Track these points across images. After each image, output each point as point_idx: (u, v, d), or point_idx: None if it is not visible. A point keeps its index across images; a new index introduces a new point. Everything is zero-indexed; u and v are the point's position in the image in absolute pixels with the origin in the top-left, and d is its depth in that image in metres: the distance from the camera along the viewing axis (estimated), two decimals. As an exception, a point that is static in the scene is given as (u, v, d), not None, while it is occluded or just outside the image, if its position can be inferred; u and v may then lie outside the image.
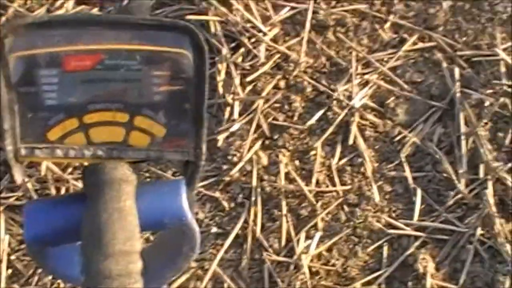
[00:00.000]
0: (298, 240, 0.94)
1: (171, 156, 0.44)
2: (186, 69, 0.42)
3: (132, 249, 0.41)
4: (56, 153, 0.42)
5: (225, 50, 1.00)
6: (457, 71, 1.02)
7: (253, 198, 0.96)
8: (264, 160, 0.98)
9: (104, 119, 0.42)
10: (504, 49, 1.02)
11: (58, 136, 0.42)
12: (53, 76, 0.40)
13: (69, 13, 0.99)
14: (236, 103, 0.99)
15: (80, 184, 0.94)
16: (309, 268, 0.92)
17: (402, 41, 1.05)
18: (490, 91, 1.00)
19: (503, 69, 1.01)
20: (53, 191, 0.94)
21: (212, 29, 1.01)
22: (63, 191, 0.94)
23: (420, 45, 1.05)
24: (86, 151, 0.42)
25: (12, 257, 0.92)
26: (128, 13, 0.95)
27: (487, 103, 0.99)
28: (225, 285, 0.92)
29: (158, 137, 0.43)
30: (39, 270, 0.92)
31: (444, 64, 1.03)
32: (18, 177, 0.42)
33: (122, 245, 0.41)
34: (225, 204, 0.96)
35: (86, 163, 0.44)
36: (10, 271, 0.92)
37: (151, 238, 0.86)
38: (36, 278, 0.92)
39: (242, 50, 1.01)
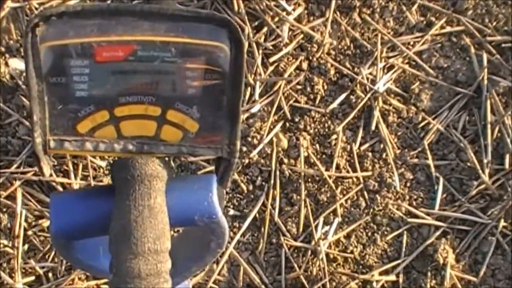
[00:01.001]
0: (316, 226, 0.93)
1: (204, 152, 0.42)
2: (222, 63, 0.40)
3: (162, 248, 0.40)
4: (86, 146, 0.40)
5: (247, 29, 0.97)
6: (485, 57, 0.99)
7: (272, 181, 0.94)
8: (284, 143, 0.96)
9: (135, 112, 0.40)
10: (536, 36, 0.99)
11: (88, 129, 0.40)
12: (84, 67, 0.39)
13: (102, 2, 0.96)
14: (258, 84, 0.97)
15: (98, 161, 0.93)
16: (327, 254, 0.92)
17: (430, 25, 1.02)
18: (519, 79, 0.97)
19: (533, 56, 0.98)
20: (70, 167, 0.93)
21: (236, 7, 0.98)
22: (80, 167, 0.93)
23: (448, 29, 1.02)
24: (116, 145, 0.41)
25: (29, 233, 0.91)
26: (156, 2, 0.93)
27: (515, 92, 0.97)
28: (241, 268, 0.92)
29: (190, 132, 0.42)
30: (55, 247, 0.91)
31: (472, 50, 1.00)
32: (46, 169, 0.41)
33: (152, 244, 0.39)
34: (244, 186, 0.95)
35: (115, 157, 0.43)
36: (26, 246, 0.91)
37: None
38: (52, 253, 0.91)
39: (265, 29, 0.99)
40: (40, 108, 0.39)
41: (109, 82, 0.39)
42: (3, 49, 0.93)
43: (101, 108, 0.40)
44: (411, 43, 1.01)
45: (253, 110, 0.96)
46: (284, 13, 0.98)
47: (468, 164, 0.95)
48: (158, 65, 0.39)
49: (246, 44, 0.40)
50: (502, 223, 0.91)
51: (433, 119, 0.97)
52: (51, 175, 0.88)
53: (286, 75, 0.98)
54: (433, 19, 1.02)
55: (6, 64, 0.92)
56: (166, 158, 0.43)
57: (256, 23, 0.99)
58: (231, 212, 0.94)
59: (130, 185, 0.40)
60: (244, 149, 0.96)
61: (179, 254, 0.47)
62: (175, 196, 0.42)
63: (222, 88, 0.41)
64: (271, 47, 0.98)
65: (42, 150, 0.40)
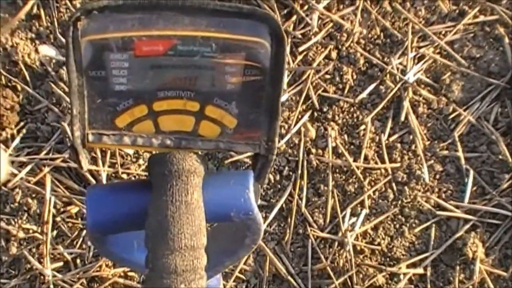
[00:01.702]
0: (343, 217, 0.92)
1: (242, 148, 0.42)
2: (263, 59, 0.39)
3: (198, 244, 0.40)
4: (124, 140, 0.40)
5: (277, 17, 0.96)
6: (519, 47, 0.97)
7: (299, 172, 0.94)
8: (312, 133, 0.95)
9: (174, 107, 0.40)
10: None
11: (127, 123, 0.40)
12: (124, 60, 0.38)
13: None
14: (286, 73, 0.96)
15: (129, 151, 0.93)
16: (354, 246, 0.91)
17: (462, 14, 1.00)
18: (553, 70, 0.95)
19: None
20: (98, 154, 0.94)
21: (265, -5, 0.98)
22: (108, 155, 0.93)
23: (481, 18, 1.00)
24: (154, 140, 0.41)
25: (58, 219, 0.92)
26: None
27: (549, 84, 0.95)
28: (267, 258, 0.92)
29: (228, 128, 0.41)
30: (84, 232, 0.92)
31: (506, 40, 0.98)
32: (84, 163, 0.41)
33: (188, 240, 0.39)
34: (271, 176, 0.94)
35: (153, 152, 0.42)
36: (55, 232, 0.92)
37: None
38: (80, 240, 0.92)
39: (294, 17, 0.97)
40: (80, 101, 0.39)
41: (148, 76, 0.39)
42: (33, 35, 0.93)
43: (139, 103, 0.40)
44: (443, 32, 1.00)
45: (281, 99, 0.95)
46: (313, 1, 0.97)
47: (500, 156, 0.94)
48: (198, 60, 0.39)
49: (287, 41, 0.39)
50: (534, 217, 0.90)
51: (464, 110, 0.96)
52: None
53: (315, 64, 0.97)
54: (465, 8, 1.00)
55: (36, 51, 0.93)
56: (203, 154, 0.42)
57: (285, 11, 0.98)
58: (258, 202, 0.94)
59: (167, 180, 0.40)
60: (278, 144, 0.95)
61: (212, 248, 0.47)
62: (212, 191, 0.42)
63: (262, 84, 0.40)
64: (300, 36, 0.97)
65: (81, 143, 0.40)
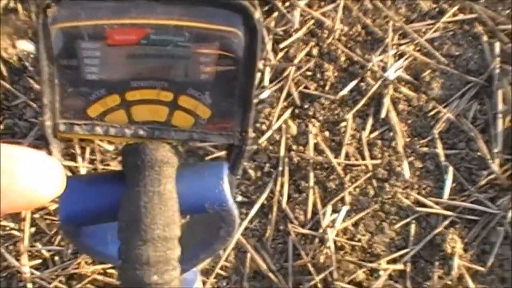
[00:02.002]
0: (324, 213, 0.92)
1: (215, 138, 0.41)
2: (236, 49, 0.39)
3: (171, 235, 0.39)
4: (96, 130, 0.40)
5: (258, 14, 0.96)
6: (497, 45, 0.98)
7: (280, 168, 0.94)
8: (293, 130, 0.95)
9: (147, 97, 0.40)
10: (550, 25, 0.98)
11: (99, 113, 0.40)
12: (96, 49, 0.38)
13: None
14: (267, 70, 0.96)
15: (106, 145, 0.93)
16: (334, 242, 0.91)
17: (442, 12, 1.01)
18: (532, 68, 0.96)
19: (547, 46, 0.97)
20: (77, 150, 0.93)
21: (245, -9, 0.97)
22: (87, 151, 0.93)
23: (460, 16, 1.00)
24: (127, 130, 0.40)
25: (36, 216, 0.91)
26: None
27: (527, 81, 0.95)
28: (248, 254, 0.92)
29: (202, 118, 0.41)
30: (62, 230, 0.91)
31: (484, 38, 0.99)
32: (56, 154, 0.40)
33: (161, 231, 0.39)
34: (252, 172, 0.94)
35: (126, 142, 0.42)
36: (33, 229, 0.91)
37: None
38: (58, 237, 0.91)
39: (275, 14, 0.97)
40: (50, 90, 0.38)
41: (121, 65, 0.39)
42: (10, 30, 0.92)
43: (112, 92, 0.39)
44: (423, 30, 1.00)
45: (263, 96, 0.96)
46: (294, -2, 0.97)
47: (478, 153, 0.94)
48: (171, 50, 0.38)
49: (262, 31, 0.39)
50: (511, 213, 0.90)
51: (444, 107, 0.96)
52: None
53: (296, 61, 0.97)
54: (445, 6, 1.01)
55: (14, 46, 0.92)
56: (177, 145, 0.42)
57: (267, 7, 0.98)
58: (239, 198, 0.94)
59: (140, 171, 0.39)
60: (253, 135, 0.95)
61: (188, 241, 0.46)
62: (186, 183, 0.41)
63: (235, 75, 0.40)
64: (281, 33, 0.97)
65: (51, 133, 0.39)
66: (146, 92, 0.40)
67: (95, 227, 0.45)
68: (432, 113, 0.96)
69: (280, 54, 0.97)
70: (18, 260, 0.89)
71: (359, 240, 0.92)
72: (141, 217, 0.39)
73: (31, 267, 0.90)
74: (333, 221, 0.92)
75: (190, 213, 0.46)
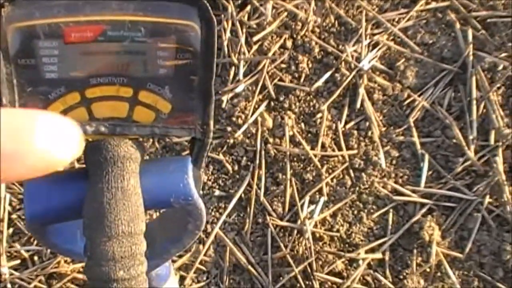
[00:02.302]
0: (302, 205, 0.93)
1: (177, 132, 0.41)
2: (194, 42, 0.39)
3: (136, 230, 0.39)
4: None
5: (231, 8, 0.96)
6: (470, 32, 0.98)
7: (257, 161, 0.94)
8: (269, 122, 0.95)
9: (107, 93, 0.40)
10: (521, 11, 0.99)
11: (59, 111, 0.39)
12: (53, 48, 0.38)
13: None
14: (242, 63, 0.96)
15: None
16: (313, 233, 0.92)
17: (415, 0, 1.01)
18: (504, 54, 0.97)
19: (518, 32, 0.98)
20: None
21: (218, -15, 0.97)
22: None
23: (433, 4, 1.01)
24: (88, 127, 0.40)
25: (13, 216, 0.91)
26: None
27: (500, 67, 0.96)
28: (227, 248, 0.92)
29: (163, 113, 0.41)
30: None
31: (457, 25, 1.00)
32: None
33: (126, 226, 0.39)
34: (229, 166, 0.94)
35: (88, 139, 0.42)
36: (11, 230, 0.91)
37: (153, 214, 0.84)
38: (37, 237, 0.91)
39: (248, 7, 0.97)
40: (9, 91, 0.38)
41: (79, 63, 0.38)
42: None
43: (71, 90, 0.39)
44: (396, 19, 1.01)
45: (238, 90, 0.96)
46: (267, -9, 0.97)
47: (454, 140, 0.95)
48: (128, 45, 0.38)
49: (216, 22, 0.39)
50: (488, 199, 0.91)
51: (419, 96, 0.97)
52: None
53: (270, 54, 0.97)
54: (418, -5, 1.01)
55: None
56: (140, 140, 0.42)
57: (240, 1, 0.98)
58: (217, 193, 0.94)
59: (103, 167, 0.39)
60: (229, 129, 0.95)
61: (157, 236, 0.46)
62: (150, 178, 0.41)
63: (194, 68, 0.40)
64: (254, 26, 0.97)
65: None
66: (106, 88, 0.39)
67: (63, 225, 0.45)
68: (407, 101, 0.97)
69: (254, 47, 0.97)
70: (-4, 261, 0.89)
71: (338, 231, 0.93)
72: (105, 213, 0.39)
73: (10, 267, 0.89)
74: (311, 213, 0.92)
75: (156, 208, 0.46)
